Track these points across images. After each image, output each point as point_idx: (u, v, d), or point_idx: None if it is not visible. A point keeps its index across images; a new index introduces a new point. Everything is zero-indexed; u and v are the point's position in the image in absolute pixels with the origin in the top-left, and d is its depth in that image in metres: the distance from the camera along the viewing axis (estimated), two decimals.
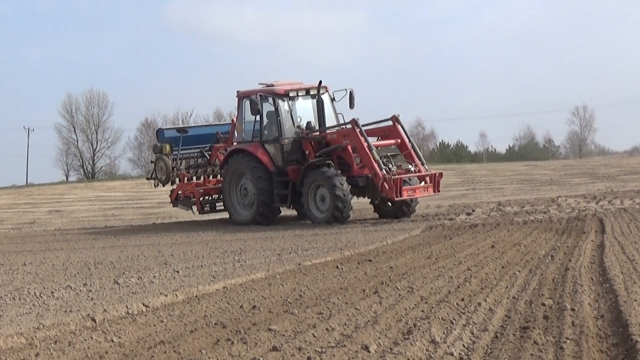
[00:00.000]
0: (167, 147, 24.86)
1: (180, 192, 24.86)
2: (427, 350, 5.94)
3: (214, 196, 24.71)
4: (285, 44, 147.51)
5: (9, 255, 17.75)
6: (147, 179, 26.66)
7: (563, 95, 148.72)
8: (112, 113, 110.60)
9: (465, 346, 6.07)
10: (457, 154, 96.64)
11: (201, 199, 24.45)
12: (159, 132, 26.63)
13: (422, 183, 21.48)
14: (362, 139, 21.25)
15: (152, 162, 26.47)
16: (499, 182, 41.48)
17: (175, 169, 24.86)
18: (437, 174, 21.71)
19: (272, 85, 23.22)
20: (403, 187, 20.62)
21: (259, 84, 23.49)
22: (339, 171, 21.19)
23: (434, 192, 21.68)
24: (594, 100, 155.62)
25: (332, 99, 23.21)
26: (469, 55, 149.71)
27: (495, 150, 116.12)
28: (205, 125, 24.11)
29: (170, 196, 25.62)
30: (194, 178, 25.12)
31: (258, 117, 22.57)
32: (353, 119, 21.53)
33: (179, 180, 24.88)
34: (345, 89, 22.96)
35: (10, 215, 36.16)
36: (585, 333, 6.22)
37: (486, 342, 6.18)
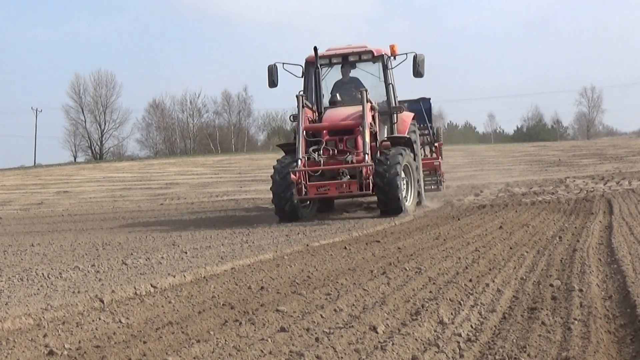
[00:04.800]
0: None
1: None
2: (435, 331, 5.94)
3: None
4: (293, 26, 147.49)
5: (17, 236, 17.81)
6: None
7: (571, 76, 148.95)
8: (120, 94, 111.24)
9: (473, 327, 6.07)
10: (465, 135, 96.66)
11: None
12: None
13: (346, 178, 17.14)
14: (300, 116, 17.84)
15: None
16: (507, 163, 41.45)
17: None
18: (364, 169, 17.03)
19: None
20: (312, 183, 16.96)
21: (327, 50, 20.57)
22: (290, 162, 17.58)
23: (360, 190, 17.09)
24: (602, 81, 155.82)
25: (385, 67, 19.88)
26: (476, 36, 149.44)
27: (503, 131, 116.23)
28: None
29: None
30: None
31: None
32: (297, 95, 18.18)
33: None
34: (406, 53, 19.63)
35: (19, 196, 36.25)
36: (593, 314, 6.21)
37: (494, 323, 6.18)
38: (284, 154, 18.70)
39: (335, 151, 17.70)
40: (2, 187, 42.79)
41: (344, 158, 17.48)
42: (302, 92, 18.63)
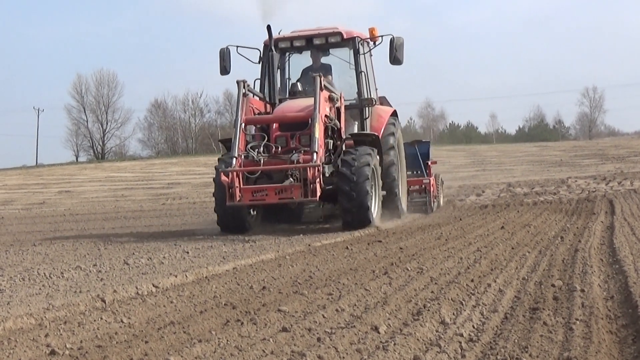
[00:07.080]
0: None
1: None
2: (436, 331, 5.93)
3: None
4: (295, 26, 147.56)
5: (19, 235, 17.81)
6: None
7: (573, 76, 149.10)
8: (122, 93, 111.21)
9: (475, 327, 6.06)
10: (467, 135, 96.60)
11: None
12: None
13: (288, 181, 14.29)
14: (240, 107, 15.09)
15: None
16: (508, 163, 41.44)
17: None
18: (310, 170, 14.14)
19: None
20: (246, 186, 14.30)
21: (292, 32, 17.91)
22: (230, 158, 14.78)
23: (304, 197, 14.16)
24: (604, 81, 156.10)
25: (357, 52, 17.07)
26: (478, 36, 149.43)
27: (505, 131, 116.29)
28: None
29: None
30: None
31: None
32: (237, 80, 15.44)
33: None
34: (382, 36, 17.17)
35: (20, 196, 36.27)
36: (594, 314, 6.21)
37: (496, 323, 6.17)
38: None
39: (279, 149, 15.25)
40: (4, 186, 42.80)
41: (289, 157, 14.86)
42: (254, 79, 16.53)
